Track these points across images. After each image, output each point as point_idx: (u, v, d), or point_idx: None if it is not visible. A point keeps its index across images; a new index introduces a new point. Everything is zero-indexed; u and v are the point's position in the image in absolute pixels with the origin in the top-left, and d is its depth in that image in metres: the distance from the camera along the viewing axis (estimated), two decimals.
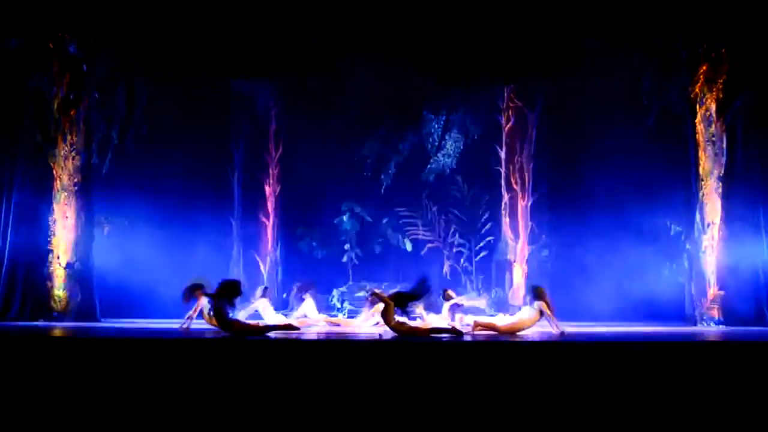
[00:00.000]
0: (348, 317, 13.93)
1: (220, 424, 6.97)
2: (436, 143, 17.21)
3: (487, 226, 17.07)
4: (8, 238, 13.20)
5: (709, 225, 13.37)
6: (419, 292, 9.44)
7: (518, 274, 16.32)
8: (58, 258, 13.41)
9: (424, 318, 10.82)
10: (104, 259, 14.19)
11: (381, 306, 9.74)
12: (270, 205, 16.92)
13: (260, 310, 11.69)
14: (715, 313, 13.00)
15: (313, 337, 9.38)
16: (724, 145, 13.32)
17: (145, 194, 14.90)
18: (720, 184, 13.30)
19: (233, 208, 16.62)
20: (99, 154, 14.06)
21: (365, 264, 17.06)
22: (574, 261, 15.37)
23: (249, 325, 9.49)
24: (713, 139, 13.41)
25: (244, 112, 16.69)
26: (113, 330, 10.62)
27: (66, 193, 13.57)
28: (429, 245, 17.23)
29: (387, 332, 9.41)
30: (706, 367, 7.26)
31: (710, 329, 12.39)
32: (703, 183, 13.49)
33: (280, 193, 17.02)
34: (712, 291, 13.22)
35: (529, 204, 16.50)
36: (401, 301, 9.19)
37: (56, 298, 13.30)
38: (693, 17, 12.95)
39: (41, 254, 13.34)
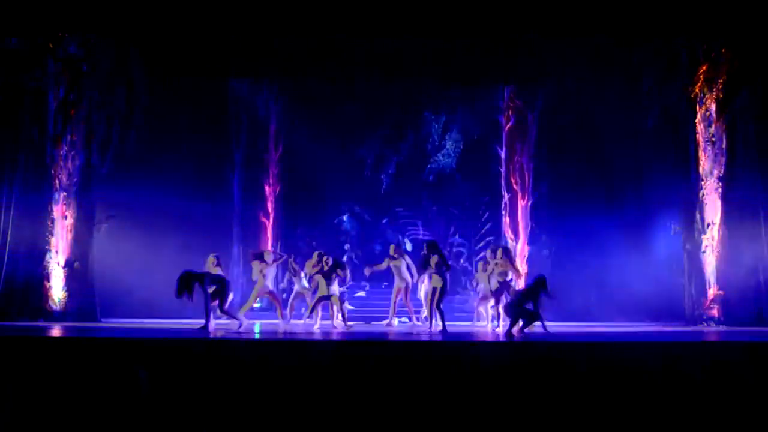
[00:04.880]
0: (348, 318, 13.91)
1: (219, 423, 6.96)
2: (436, 143, 17.20)
3: (487, 226, 17.05)
4: (8, 238, 13.20)
5: (709, 225, 13.38)
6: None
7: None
8: (57, 258, 13.41)
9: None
10: (104, 259, 14.17)
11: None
12: (270, 205, 16.89)
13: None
14: (715, 313, 13.01)
15: (315, 338, 9.38)
16: (724, 145, 13.33)
17: (145, 194, 14.86)
18: (720, 184, 13.31)
19: (233, 208, 16.58)
20: (99, 154, 14.04)
21: (365, 264, 17.02)
22: (574, 261, 15.34)
23: None
24: (713, 139, 13.42)
25: (244, 112, 16.66)
26: (113, 330, 10.61)
27: (65, 193, 13.57)
28: None
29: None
30: (706, 367, 7.26)
31: (710, 329, 12.40)
32: (703, 183, 13.50)
33: (280, 193, 16.99)
34: (712, 291, 13.23)
35: (529, 204, 16.48)
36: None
37: (56, 298, 13.30)
38: (693, 17, 12.95)
39: (41, 254, 13.34)
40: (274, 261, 12.41)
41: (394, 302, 12.39)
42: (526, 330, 9.85)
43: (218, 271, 10.90)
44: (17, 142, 13.47)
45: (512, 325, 9.87)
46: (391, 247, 12.46)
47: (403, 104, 16.82)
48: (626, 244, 15.01)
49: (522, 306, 9.87)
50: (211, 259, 10.93)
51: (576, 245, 15.51)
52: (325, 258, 11.66)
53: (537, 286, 9.98)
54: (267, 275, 12.14)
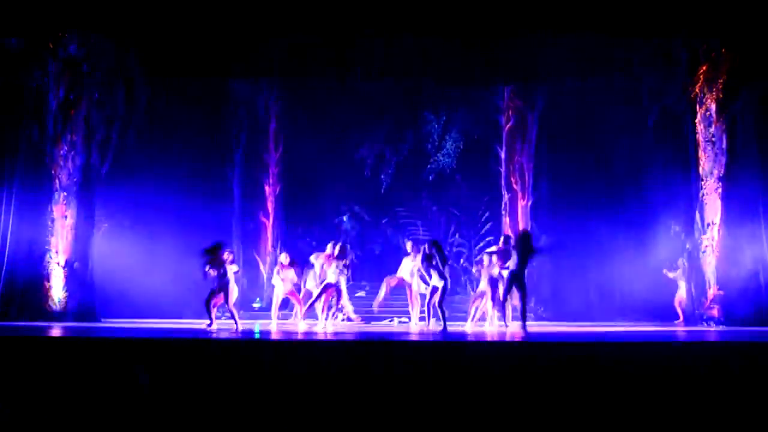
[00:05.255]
0: (348, 318, 13.95)
1: (219, 424, 6.96)
2: (436, 143, 17.20)
3: (487, 226, 17.05)
4: (8, 238, 13.20)
5: (709, 225, 13.38)
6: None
7: None
8: (57, 258, 13.41)
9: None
10: (104, 259, 14.19)
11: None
12: (270, 205, 16.89)
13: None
14: (715, 313, 13.01)
15: (318, 338, 9.39)
16: (724, 145, 13.33)
17: (145, 194, 14.88)
18: (720, 184, 13.31)
19: (233, 208, 16.59)
20: (99, 154, 14.05)
21: (365, 264, 17.04)
22: (574, 261, 15.34)
23: None
24: (713, 139, 13.42)
25: (244, 112, 16.67)
26: (113, 330, 10.62)
27: (65, 193, 13.56)
28: None
29: None
30: (706, 367, 7.26)
31: (710, 329, 12.40)
32: (703, 183, 13.50)
33: (280, 192, 16.99)
34: (712, 291, 13.23)
35: (529, 204, 16.49)
36: None
37: (56, 298, 13.30)
38: (693, 17, 12.95)
39: (41, 254, 13.34)
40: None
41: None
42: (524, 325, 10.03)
43: (231, 268, 11.03)
44: (17, 142, 13.47)
45: (524, 312, 10.12)
46: (408, 244, 12.59)
47: (403, 104, 16.82)
48: (626, 244, 15.04)
49: (523, 272, 10.03)
50: (226, 255, 11.02)
51: (576, 245, 15.52)
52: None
53: (525, 242, 10.13)
54: (285, 277, 12.38)
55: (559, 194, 16.14)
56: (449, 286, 10.93)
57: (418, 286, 12.20)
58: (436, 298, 10.77)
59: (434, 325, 10.97)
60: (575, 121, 15.56)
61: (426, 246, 11.13)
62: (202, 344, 8.24)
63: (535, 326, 13.23)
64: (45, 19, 13.10)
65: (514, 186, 16.62)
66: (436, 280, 10.80)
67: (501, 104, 16.81)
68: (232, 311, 11.02)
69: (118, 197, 14.63)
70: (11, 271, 13.16)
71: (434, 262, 10.75)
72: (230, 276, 10.87)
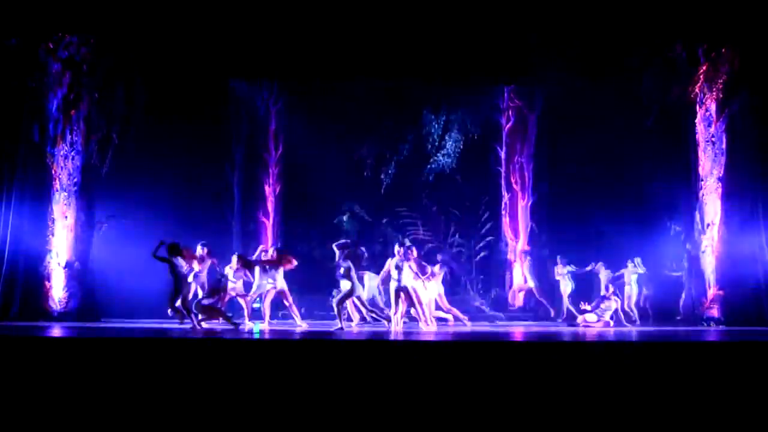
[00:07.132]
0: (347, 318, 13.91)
1: (219, 424, 6.96)
2: (436, 143, 17.19)
3: (487, 226, 17.05)
4: (8, 238, 13.20)
5: (709, 225, 13.38)
6: None
7: (518, 274, 16.31)
8: (57, 258, 13.41)
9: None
10: (104, 259, 14.18)
11: None
12: (270, 205, 16.88)
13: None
14: (715, 313, 13.01)
15: (305, 337, 9.39)
16: (724, 145, 13.34)
17: (145, 194, 14.87)
18: (720, 184, 13.31)
19: (233, 208, 16.57)
20: (99, 154, 14.05)
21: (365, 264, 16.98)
22: (574, 261, 15.34)
23: None
24: (713, 139, 13.43)
25: (244, 112, 16.66)
26: (113, 330, 10.62)
27: (65, 193, 13.57)
28: (429, 245, 17.20)
29: None
30: (706, 367, 7.26)
31: (710, 329, 12.40)
32: (703, 183, 13.50)
33: (280, 192, 16.99)
34: (712, 291, 13.22)
35: (529, 204, 16.49)
36: None
37: (56, 298, 13.30)
38: (693, 18, 12.95)
39: (41, 254, 13.34)
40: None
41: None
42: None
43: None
44: (17, 142, 13.47)
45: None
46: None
47: (403, 104, 16.81)
48: (626, 244, 15.01)
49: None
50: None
51: (576, 245, 15.52)
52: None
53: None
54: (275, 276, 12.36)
55: (559, 194, 16.14)
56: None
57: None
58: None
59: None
60: (575, 121, 15.54)
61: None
62: (203, 344, 8.25)
63: (535, 326, 13.25)
64: (45, 19, 13.10)
65: (514, 186, 16.62)
66: (345, 284, 11.20)
67: (501, 104, 16.82)
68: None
69: (118, 197, 14.62)
70: (11, 271, 13.15)
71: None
72: None
